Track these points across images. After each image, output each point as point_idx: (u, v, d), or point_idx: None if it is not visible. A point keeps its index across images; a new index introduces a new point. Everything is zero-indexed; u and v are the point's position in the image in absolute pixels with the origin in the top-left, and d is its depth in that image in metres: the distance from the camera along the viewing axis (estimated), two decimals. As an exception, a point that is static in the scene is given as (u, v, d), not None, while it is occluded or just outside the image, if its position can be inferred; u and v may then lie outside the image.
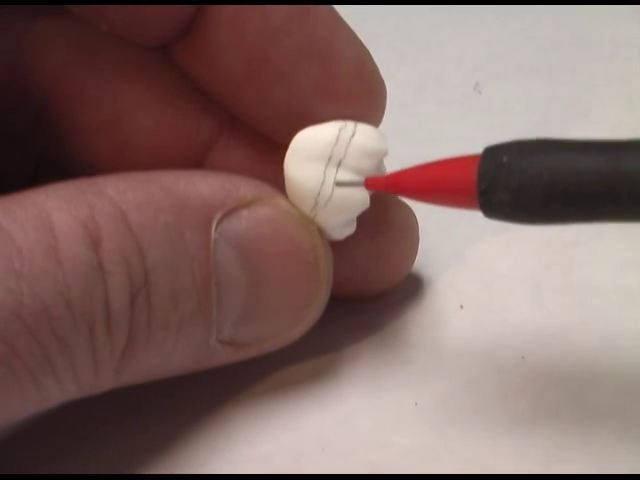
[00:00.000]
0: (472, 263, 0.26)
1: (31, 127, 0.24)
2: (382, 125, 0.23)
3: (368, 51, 0.23)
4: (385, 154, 0.22)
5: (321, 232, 0.22)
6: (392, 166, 0.22)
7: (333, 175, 0.21)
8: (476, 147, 0.19)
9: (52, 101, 0.23)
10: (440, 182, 0.19)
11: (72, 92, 0.23)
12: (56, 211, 0.19)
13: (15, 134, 0.24)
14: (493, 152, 0.19)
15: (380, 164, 0.22)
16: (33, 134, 0.24)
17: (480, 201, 0.18)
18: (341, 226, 0.22)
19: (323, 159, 0.21)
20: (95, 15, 0.22)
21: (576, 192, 0.17)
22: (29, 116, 0.24)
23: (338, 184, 0.21)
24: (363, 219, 0.22)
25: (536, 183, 0.18)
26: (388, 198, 0.24)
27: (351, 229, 0.22)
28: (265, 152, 0.23)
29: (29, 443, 0.22)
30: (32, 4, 0.23)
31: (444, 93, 0.33)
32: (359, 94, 0.22)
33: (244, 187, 0.21)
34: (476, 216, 0.27)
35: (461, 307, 0.24)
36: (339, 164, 0.21)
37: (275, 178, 0.22)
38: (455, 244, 0.26)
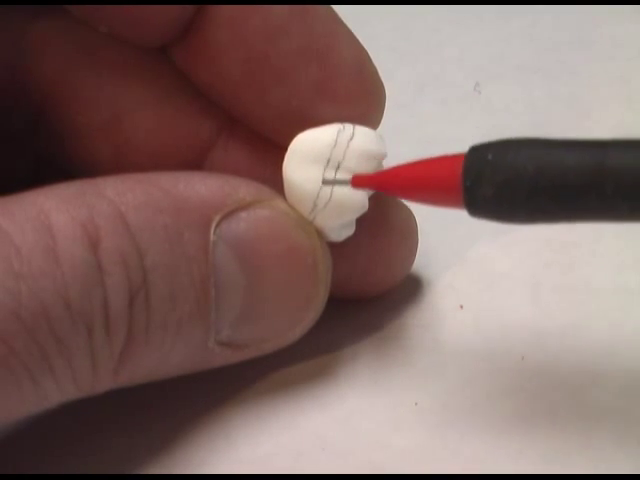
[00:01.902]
0: (472, 263, 0.26)
1: (31, 127, 0.24)
2: (382, 125, 0.23)
3: (367, 52, 0.23)
4: (384, 156, 0.22)
5: (320, 234, 0.22)
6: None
7: (332, 177, 0.21)
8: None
9: (51, 102, 0.23)
10: (426, 180, 0.19)
11: (71, 93, 0.23)
12: (55, 212, 0.19)
13: (15, 134, 0.24)
14: (478, 150, 0.19)
15: (379, 166, 0.22)
16: (33, 134, 0.24)
17: (465, 197, 0.18)
18: (340, 228, 0.22)
19: (322, 162, 0.21)
20: (94, 16, 0.22)
21: (561, 187, 0.17)
22: (28, 117, 0.24)
23: (325, 182, 0.21)
24: (362, 220, 0.22)
25: (521, 178, 0.18)
26: (387, 199, 0.24)
27: (350, 231, 0.22)
28: (264, 153, 0.23)
29: (29, 443, 0.22)
30: (31, 4, 0.23)
31: (444, 93, 0.33)
32: (358, 95, 0.22)
33: (243, 189, 0.21)
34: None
35: (461, 307, 0.24)
36: (338, 167, 0.21)
37: (274, 179, 0.22)
38: (455, 244, 0.26)
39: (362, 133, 0.21)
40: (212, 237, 0.20)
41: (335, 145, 0.21)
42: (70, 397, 0.20)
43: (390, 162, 0.22)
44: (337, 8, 0.23)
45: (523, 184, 0.18)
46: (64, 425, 0.22)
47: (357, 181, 0.21)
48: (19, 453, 0.22)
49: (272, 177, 0.22)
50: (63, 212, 0.19)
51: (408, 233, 0.24)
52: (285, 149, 0.22)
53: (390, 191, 0.21)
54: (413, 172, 0.20)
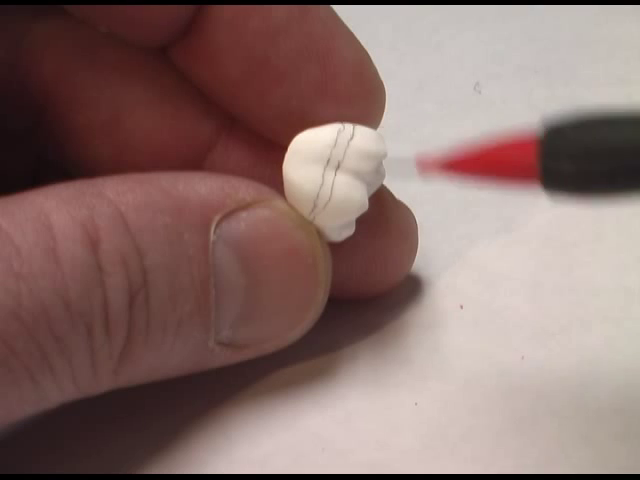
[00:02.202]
0: (472, 263, 0.26)
1: (30, 128, 0.24)
2: (382, 125, 0.23)
3: (367, 52, 0.23)
4: (384, 156, 0.22)
5: (320, 234, 0.22)
6: (391, 167, 0.22)
7: (332, 178, 0.21)
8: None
9: (51, 102, 0.23)
10: (499, 162, 0.18)
11: (71, 93, 0.23)
12: (55, 212, 0.19)
13: (14, 134, 0.24)
14: (554, 126, 0.18)
15: (379, 166, 0.22)
16: (32, 135, 0.24)
17: (542, 175, 0.18)
18: (340, 228, 0.22)
19: (322, 161, 0.21)
20: (94, 16, 0.22)
21: None
22: (28, 116, 0.24)
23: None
24: (362, 220, 0.22)
25: (603, 153, 0.17)
26: (387, 200, 0.24)
27: (350, 231, 0.22)
28: (264, 153, 0.23)
29: (29, 443, 0.22)
30: (32, 4, 0.23)
31: (444, 93, 0.33)
32: (358, 95, 0.22)
33: (243, 189, 0.21)
34: (475, 216, 0.27)
35: (461, 307, 0.24)
36: (338, 166, 0.21)
37: (274, 180, 0.22)
38: (455, 244, 0.26)
39: (362, 132, 0.21)
40: (212, 237, 0.20)
41: (335, 145, 0.21)
42: (70, 397, 0.20)
43: (390, 161, 0.22)
44: (337, 8, 0.23)
45: (605, 160, 0.17)
46: (64, 425, 0.22)
47: (423, 165, 0.20)
48: (19, 453, 0.22)
49: (272, 177, 0.22)
50: (63, 212, 0.19)
51: (408, 233, 0.24)
52: (285, 149, 0.22)
53: (460, 177, 0.19)
54: (484, 155, 0.19)
